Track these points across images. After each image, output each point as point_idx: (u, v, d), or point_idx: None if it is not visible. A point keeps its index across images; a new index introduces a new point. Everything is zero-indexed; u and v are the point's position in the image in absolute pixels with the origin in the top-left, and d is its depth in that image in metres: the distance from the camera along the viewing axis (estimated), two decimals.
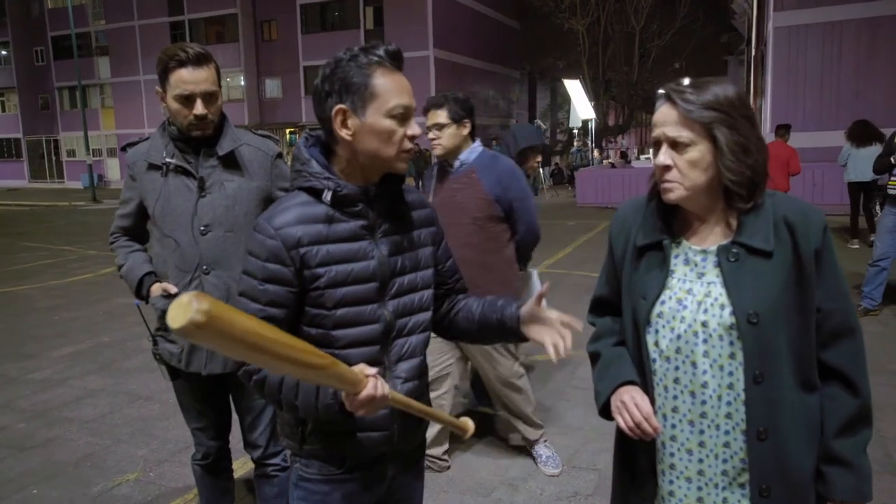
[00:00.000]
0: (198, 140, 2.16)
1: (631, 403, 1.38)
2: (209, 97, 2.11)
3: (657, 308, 1.40)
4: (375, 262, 1.46)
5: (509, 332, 1.55)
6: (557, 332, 1.44)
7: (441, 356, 3.24)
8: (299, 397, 1.39)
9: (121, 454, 3.66)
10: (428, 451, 3.18)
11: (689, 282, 1.38)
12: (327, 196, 1.41)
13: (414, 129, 1.43)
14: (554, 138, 34.72)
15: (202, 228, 2.16)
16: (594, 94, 25.49)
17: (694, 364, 1.36)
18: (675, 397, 1.40)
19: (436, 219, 1.64)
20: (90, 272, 9.49)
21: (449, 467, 3.37)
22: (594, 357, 1.56)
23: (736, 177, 1.29)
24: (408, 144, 1.43)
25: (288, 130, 30.84)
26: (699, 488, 1.40)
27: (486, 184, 3.03)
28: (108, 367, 5.21)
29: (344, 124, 1.40)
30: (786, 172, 8.53)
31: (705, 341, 1.34)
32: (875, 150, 7.90)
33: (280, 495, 2.41)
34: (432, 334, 1.64)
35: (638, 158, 24.13)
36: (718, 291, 1.34)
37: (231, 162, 2.21)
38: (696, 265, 1.38)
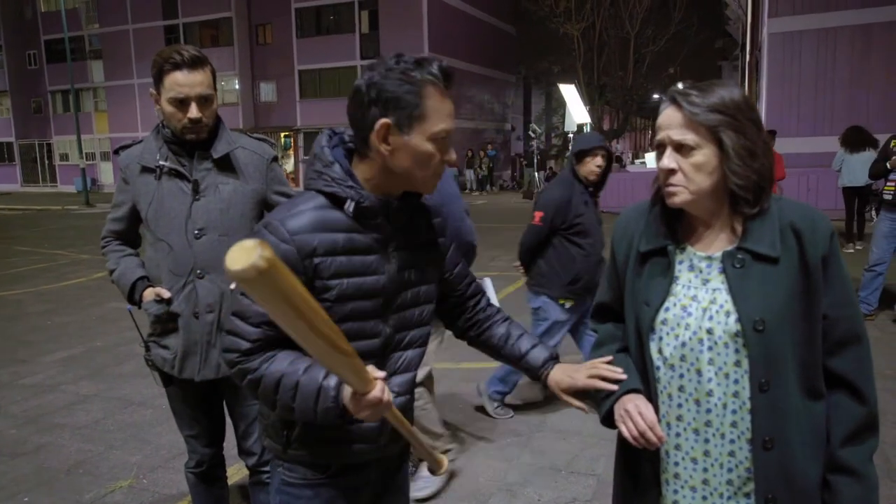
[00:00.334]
0: (192, 143, 2.14)
1: (635, 412, 1.36)
2: (204, 101, 2.09)
3: (661, 315, 1.37)
4: (385, 278, 1.42)
5: (529, 375, 1.62)
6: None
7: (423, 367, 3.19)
8: (297, 399, 1.33)
9: (114, 460, 3.62)
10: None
11: (694, 288, 1.36)
12: (350, 207, 1.36)
13: (451, 154, 1.39)
14: (549, 143, 34.80)
15: (196, 232, 2.14)
16: (589, 99, 25.54)
17: (699, 372, 1.34)
18: (680, 405, 1.38)
19: (447, 227, 1.62)
20: (83, 276, 9.42)
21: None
22: None
23: (742, 181, 1.28)
24: (441, 169, 1.39)
25: (283, 134, 30.75)
26: (704, 497, 1.38)
27: None
28: (100, 372, 5.16)
29: (385, 139, 1.33)
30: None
31: (710, 349, 1.32)
32: (869, 155, 7.94)
33: None
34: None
35: (633, 163, 24.18)
36: (724, 298, 1.31)
37: (226, 165, 2.19)
38: (700, 271, 1.36)
